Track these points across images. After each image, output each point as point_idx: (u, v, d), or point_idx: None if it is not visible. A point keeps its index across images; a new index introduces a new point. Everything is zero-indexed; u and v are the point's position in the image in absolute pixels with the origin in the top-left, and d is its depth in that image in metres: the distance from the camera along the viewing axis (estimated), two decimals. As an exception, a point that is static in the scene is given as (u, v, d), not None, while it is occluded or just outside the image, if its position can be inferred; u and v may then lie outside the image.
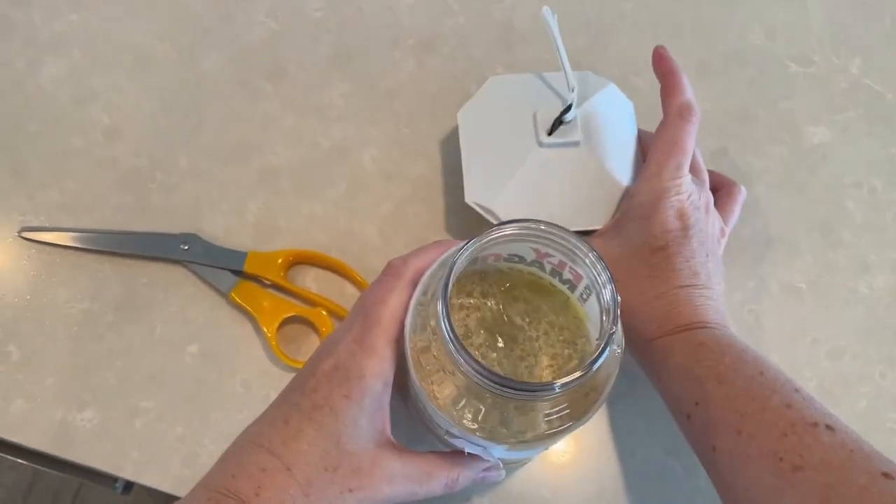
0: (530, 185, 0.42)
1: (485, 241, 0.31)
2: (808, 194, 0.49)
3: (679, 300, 0.37)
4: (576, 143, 0.42)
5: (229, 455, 0.32)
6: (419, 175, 0.48)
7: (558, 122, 0.42)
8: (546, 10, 0.42)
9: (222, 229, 0.47)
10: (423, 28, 0.51)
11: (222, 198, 0.47)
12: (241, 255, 0.45)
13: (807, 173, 0.49)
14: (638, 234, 0.39)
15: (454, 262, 0.30)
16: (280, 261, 0.45)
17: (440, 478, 0.33)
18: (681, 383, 0.35)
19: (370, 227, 0.47)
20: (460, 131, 0.44)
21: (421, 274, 0.33)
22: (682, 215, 0.38)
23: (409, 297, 0.33)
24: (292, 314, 0.44)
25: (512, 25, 0.52)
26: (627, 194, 0.41)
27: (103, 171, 0.48)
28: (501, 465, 0.35)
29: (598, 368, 0.29)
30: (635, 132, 0.44)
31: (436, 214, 0.47)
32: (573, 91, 0.42)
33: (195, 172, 0.48)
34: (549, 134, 0.42)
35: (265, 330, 0.44)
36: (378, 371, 0.32)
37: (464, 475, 0.34)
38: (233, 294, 0.44)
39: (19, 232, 0.46)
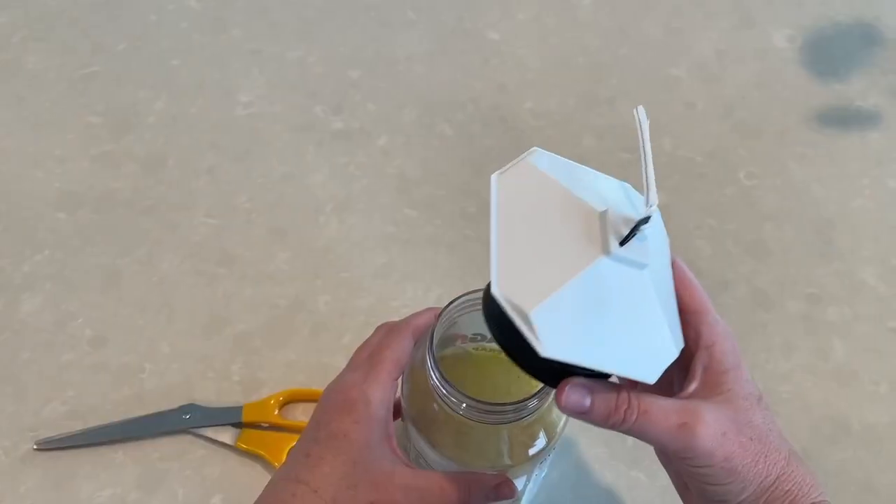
0: (583, 302, 0.31)
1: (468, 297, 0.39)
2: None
3: (802, 460, 0.35)
4: (642, 266, 0.32)
5: (264, 493, 0.37)
6: (367, 306, 0.58)
7: (633, 232, 0.31)
8: (640, 109, 0.34)
9: (214, 394, 0.54)
10: (336, 194, 0.63)
11: (207, 368, 0.55)
12: (238, 410, 0.52)
13: (660, 228, 0.63)
14: (737, 385, 0.34)
15: (441, 316, 0.38)
16: (272, 403, 0.52)
17: (452, 491, 0.38)
18: None
19: (339, 357, 0.55)
20: (494, 199, 0.33)
21: (419, 329, 0.41)
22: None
23: (410, 346, 0.40)
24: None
25: (405, 176, 0.64)
26: (699, 344, 0.35)
27: (97, 375, 0.54)
28: (514, 482, 0.42)
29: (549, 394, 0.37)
30: (670, 269, 0.36)
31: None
32: (652, 204, 0.31)
33: (178, 354, 0.55)
34: (622, 244, 0.31)
35: (275, 464, 0.50)
36: (381, 398, 0.38)
37: (475, 490, 0.39)
38: (239, 443, 0.51)
39: (35, 447, 0.51)
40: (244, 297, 0.58)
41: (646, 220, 0.31)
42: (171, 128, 0.66)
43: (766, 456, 0.33)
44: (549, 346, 0.30)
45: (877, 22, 0.76)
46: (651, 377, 0.32)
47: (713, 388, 0.34)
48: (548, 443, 0.40)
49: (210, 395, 0.54)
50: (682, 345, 0.34)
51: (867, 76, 0.72)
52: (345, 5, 0.74)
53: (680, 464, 0.34)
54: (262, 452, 0.51)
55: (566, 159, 0.36)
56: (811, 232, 0.63)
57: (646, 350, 0.32)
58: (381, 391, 0.38)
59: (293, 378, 0.55)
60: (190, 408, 0.52)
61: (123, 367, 0.55)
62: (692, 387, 0.35)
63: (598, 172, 0.36)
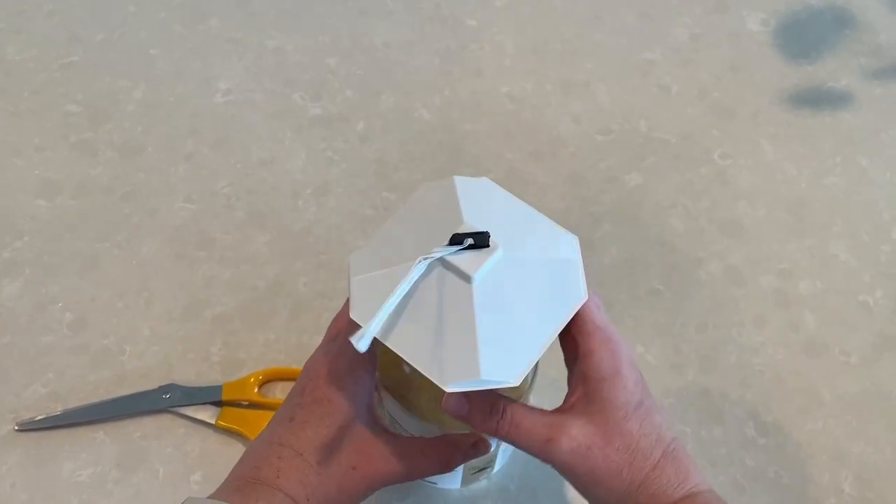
0: (406, 301, 0.34)
1: None
2: (641, 222, 0.63)
3: (680, 457, 0.35)
4: (467, 279, 0.34)
5: (248, 454, 0.38)
6: (346, 287, 0.58)
7: (468, 245, 0.34)
8: None
9: (194, 374, 0.54)
10: (315, 179, 0.64)
11: (187, 349, 0.55)
12: (217, 388, 0.53)
13: (636, 208, 0.64)
14: (613, 395, 0.35)
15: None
16: (252, 381, 0.53)
17: (432, 455, 0.39)
18: None
19: (317, 337, 0.55)
20: (405, 204, 0.38)
21: None
22: (634, 365, 0.37)
23: None
24: (274, 421, 0.52)
25: (384, 160, 0.65)
26: (578, 354, 0.37)
27: (77, 357, 0.55)
28: (489, 440, 0.42)
29: None
30: (572, 304, 0.36)
31: (367, 314, 0.57)
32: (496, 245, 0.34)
33: (158, 336, 0.56)
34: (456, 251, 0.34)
35: (255, 441, 0.51)
36: (362, 368, 0.39)
37: (454, 451, 0.39)
38: (219, 421, 0.52)
39: (16, 428, 0.51)
40: (224, 280, 0.58)
41: (461, 238, 0.34)
42: (149, 116, 0.66)
43: (630, 465, 0.35)
44: (356, 311, 0.35)
45: (848, 5, 0.77)
46: (448, 384, 0.33)
47: (590, 398, 0.35)
48: (518, 397, 0.41)
49: (190, 375, 0.54)
50: (518, 374, 0.33)
51: (838, 58, 0.73)
52: (323, -6, 0.74)
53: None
54: (241, 430, 0.51)
55: (504, 191, 0.39)
56: (783, 209, 0.64)
57: (452, 356, 0.33)
58: (362, 361, 0.39)
59: (273, 358, 0.55)
60: (170, 387, 0.53)
61: (103, 349, 0.55)
62: (572, 398, 0.36)
63: (546, 220, 0.38)
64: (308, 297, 0.58)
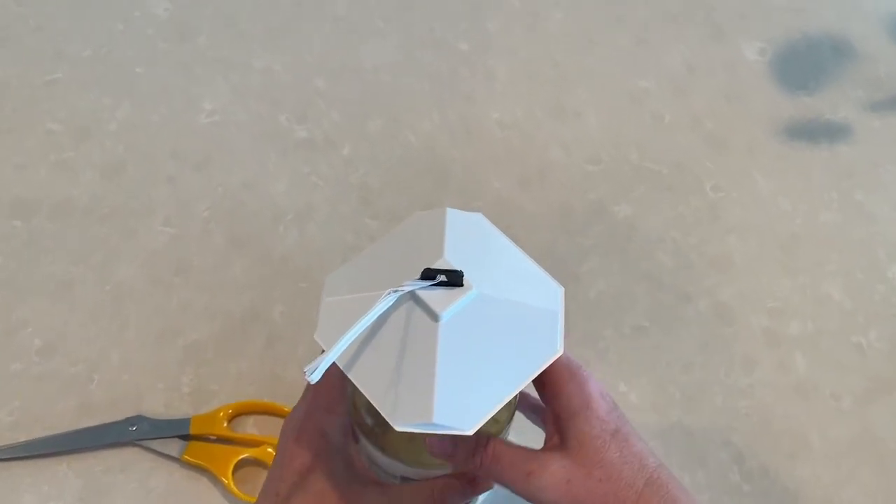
0: (372, 332, 0.33)
1: None
2: (629, 255, 0.62)
3: (665, 484, 0.35)
4: (434, 317, 0.33)
5: None
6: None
7: (440, 281, 0.33)
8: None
9: (163, 405, 0.53)
10: (297, 204, 0.62)
11: (157, 379, 0.54)
12: (186, 422, 0.51)
13: (624, 241, 0.62)
14: (586, 427, 0.35)
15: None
16: (221, 415, 0.51)
17: (424, 501, 0.37)
18: None
19: (291, 368, 0.54)
20: (394, 230, 0.37)
21: None
22: (606, 396, 0.37)
23: None
24: (242, 457, 0.50)
25: (368, 186, 0.64)
26: (546, 397, 0.37)
27: (45, 385, 0.53)
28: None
29: None
30: (545, 357, 0.34)
31: (344, 346, 0.56)
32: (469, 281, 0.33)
33: (128, 364, 0.54)
34: (425, 286, 0.33)
35: (222, 479, 0.49)
36: (333, 425, 0.38)
37: (448, 494, 0.38)
38: (185, 456, 0.50)
39: (-24, 457, 0.50)
40: (198, 307, 0.57)
41: (433, 274, 0.33)
42: (131, 135, 0.65)
43: (615, 494, 0.34)
44: (320, 334, 0.34)
45: (847, 35, 0.75)
46: (399, 423, 0.31)
47: (565, 436, 0.36)
48: (497, 433, 0.40)
49: (159, 406, 0.53)
50: (473, 423, 0.32)
51: (837, 89, 0.72)
52: (312, 14, 0.73)
53: None
54: (207, 465, 0.50)
55: (499, 234, 0.37)
56: (776, 245, 0.62)
57: (407, 395, 0.32)
58: (332, 417, 0.38)
59: (244, 390, 0.54)
60: (137, 419, 0.51)
61: (71, 377, 0.54)
62: (550, 440, 0.37)
63: (534, 266, 0.37)
64: (284, 326, 0.56)
